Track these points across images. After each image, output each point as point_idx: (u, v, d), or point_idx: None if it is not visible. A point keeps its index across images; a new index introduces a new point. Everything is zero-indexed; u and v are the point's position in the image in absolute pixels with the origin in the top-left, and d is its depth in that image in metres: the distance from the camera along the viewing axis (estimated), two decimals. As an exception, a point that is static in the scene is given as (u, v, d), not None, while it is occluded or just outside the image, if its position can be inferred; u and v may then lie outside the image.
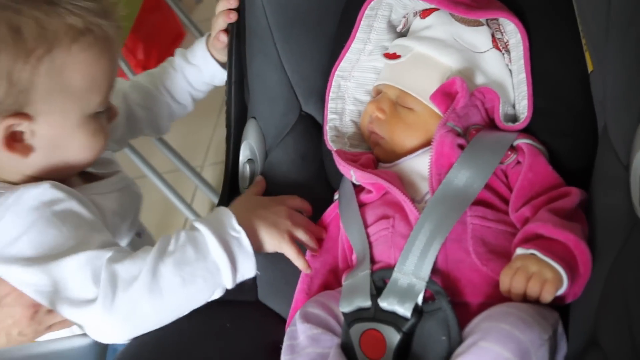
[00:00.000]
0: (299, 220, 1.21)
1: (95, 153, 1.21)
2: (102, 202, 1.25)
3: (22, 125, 1.11)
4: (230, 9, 1.36)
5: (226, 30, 1.39)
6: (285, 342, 1.09)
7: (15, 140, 1.13)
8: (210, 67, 1.45)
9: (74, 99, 1.13)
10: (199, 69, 1.47)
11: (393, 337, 1.00)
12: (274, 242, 1.15)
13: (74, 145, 1.18)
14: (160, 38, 3.09)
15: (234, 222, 1.10)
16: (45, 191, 1.12)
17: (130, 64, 2.68)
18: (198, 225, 1.09)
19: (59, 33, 1.08)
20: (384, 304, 1.02)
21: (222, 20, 1.38)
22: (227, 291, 1.13)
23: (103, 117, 1.20)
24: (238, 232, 1.09)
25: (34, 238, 1.05)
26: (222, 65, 1.43)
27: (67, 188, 1.15)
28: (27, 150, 1.14)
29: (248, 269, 1.09)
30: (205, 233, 1.07)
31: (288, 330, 1.11)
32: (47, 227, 1.07)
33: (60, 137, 1.15)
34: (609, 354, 0.88)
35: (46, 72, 1.07)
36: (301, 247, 1.20)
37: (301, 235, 1.19)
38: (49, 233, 1.07)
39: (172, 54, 1.52)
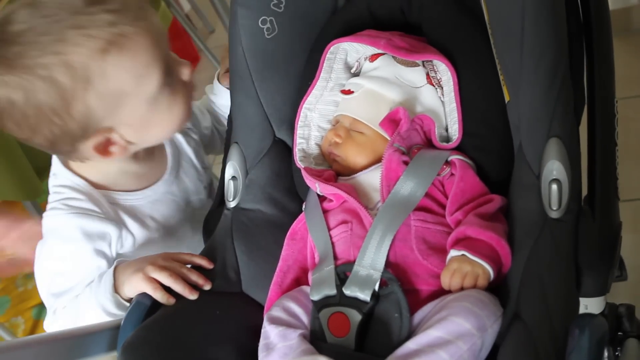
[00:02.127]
0: (162, 264, 1.18)
1: (177, 123, 1.25)
2: (140, 209, 1.33)
3: (111, 135, 1.16)
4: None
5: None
6: (261, 341, 1.12)
7: (109, 146, 1.16)
8: (224, 94, 1.52)
9: (130, 96, 1.13)
10: (218, 96, 1.57)
11: (355, 317, 1.05)
12: (131, 286, 1.18)
13: (157, 124, 1.21)
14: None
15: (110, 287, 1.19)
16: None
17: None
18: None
19: (88, 64, 1.05)
20: (348, 291, 1.06)
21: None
22: (217, 284, 1.20)
23: (177, 90, 1.22)
24: (112, 296, 1.19)
25: None
26: None
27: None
28: (123, 149, 1.19)
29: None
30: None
31: (262, 331, 1.13)
32: None
33: (141, 125, 1.19)
34: (528, 323, 0.94)
35: (96, 97, 1.08)
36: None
37: (155, 274, 1.16)
38: None
39: None
